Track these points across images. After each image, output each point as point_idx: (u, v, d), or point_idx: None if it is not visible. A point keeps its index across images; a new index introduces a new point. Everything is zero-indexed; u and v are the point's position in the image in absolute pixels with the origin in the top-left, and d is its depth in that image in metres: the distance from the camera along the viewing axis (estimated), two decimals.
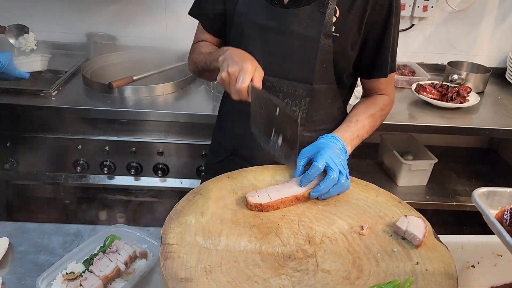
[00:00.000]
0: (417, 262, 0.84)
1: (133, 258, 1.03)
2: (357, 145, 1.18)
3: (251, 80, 1.00)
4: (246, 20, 1.19)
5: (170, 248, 0.84)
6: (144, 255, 1.06)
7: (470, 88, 2.09)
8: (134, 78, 1.92)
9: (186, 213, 0.93)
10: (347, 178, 1.02)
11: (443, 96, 2.04)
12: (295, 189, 1.00)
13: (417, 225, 0.90)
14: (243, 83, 0.99)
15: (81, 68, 2.06)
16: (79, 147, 1.87)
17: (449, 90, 2.06)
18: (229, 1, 1.22)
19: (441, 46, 2.47)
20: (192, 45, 1.37)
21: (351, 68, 1.24)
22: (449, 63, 2.31)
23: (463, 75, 2.21)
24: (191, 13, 1.33)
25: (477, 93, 2.13)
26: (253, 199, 0.96)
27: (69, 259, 1.02)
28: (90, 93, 1.93)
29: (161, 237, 0.86)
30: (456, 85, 2.13)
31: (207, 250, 0.84)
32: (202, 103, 1.94)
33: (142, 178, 1.96)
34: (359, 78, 1.33)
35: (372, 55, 1.21)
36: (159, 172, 1.92)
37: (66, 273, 0.98)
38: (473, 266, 1.07)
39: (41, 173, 1.94)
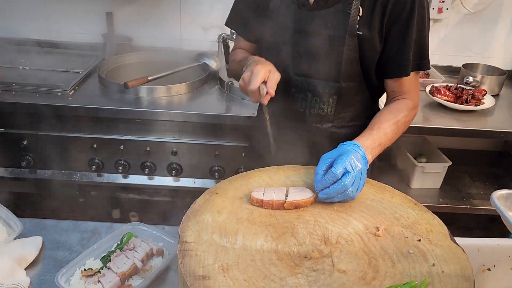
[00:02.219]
0: (433, 264, 0.84)
1: (149, 256, 1.05)
2: (378, 154, 1.17)
3: (265, 82, 1.10)
4: (276, 24, 1.25)
5: (188, 246, 0.85)
6: (160, 253, 1.07)
7: (485, 90, 2.07)
8: (149, 78, 1.94)
9: (203, 212, 0.95)
10: (357, 191, 1.00)
11: (457, 99, 2.03)
12: (302, 195, 1.00)
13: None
14: (253, 85, 1.08)
15: (97, 68, 2.08)
16: (94, 146, 1.90)
17: (463, 92, 2.04)
18: (261, 7, 1.27)
19: (456, 48, 2.45)
20: (232, 50, 1.46)
21: (376, 68, 1.25)
22: (464, 65, 2.30)
23: (478, 78, 2.19)
24: (228, 24, 1.41)
25: (492, 95, 2.11)
26: (256, 194, 0.98)
27: (87, 255, 1.04)
28: (105, 93, 1.96)
29: (179, 235, 0.87)
30: (471, 88, 2.11)
31: (224, 249, 0.85)
32: (215, 104, 1.95)
33: (156, 177, 1.98)
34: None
35: (394, 52, 1.20)
36: (173, 171, 1.94)
37: (84, 269, 0.99)
38: (489, 270, 1.06)
39: (56, 171, 1.97)
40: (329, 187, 0.98)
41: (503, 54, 2.46)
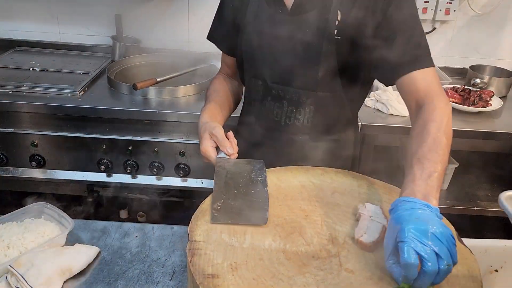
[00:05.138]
0: None
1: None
2: (439, 187, 0.88)
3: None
4: (253, 30, 1.20)
5: (197, 245, 0.86)
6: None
7: (492, 92, 2.07)
8: (158, 79, 1.96)
9: None
10: (452, 261, 0.74)
11: (465, 100, 2.02)
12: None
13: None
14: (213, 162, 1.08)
15: (106, 70, 2.11)
16: (104, 146, 1.92)
17: (471, 94, 2.04)
18: (239, 17, 1.23)
19: (463, 49, 2.45)
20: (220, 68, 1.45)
21: (366, 74, 1.18)
22: (471, 67, 2.29)
23: (486, 79, 2.18)
24: (208, 37, 1.37)
25: (499, 97, 2.11)
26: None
27: None
28: (114, 94, 1.98)
29: (188, 234, 0.89)
30: (478, 89, 2.11)
31: (233, 248, 0.86)
32: None
33: (164, 177, 2.00)
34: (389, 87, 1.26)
35: (387, 51, 1.08)
36: (181, 172, 1.95)
37: None
38: (496, 271, 1.06)
39: (66, 172, 1.99)
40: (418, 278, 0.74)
41: (511, 56, 2.45)
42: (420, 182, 0.86)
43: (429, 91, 1.04)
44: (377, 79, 1.20)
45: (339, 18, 1.11)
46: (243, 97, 1.43)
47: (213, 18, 1.36)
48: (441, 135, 0.94)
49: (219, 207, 0.95)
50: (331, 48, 1.12)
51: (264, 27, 1.19)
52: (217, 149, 1.10)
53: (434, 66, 1.09)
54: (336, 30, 1.10)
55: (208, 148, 1.08)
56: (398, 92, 1.99)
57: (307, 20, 1.13)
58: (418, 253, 0.73)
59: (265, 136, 1.29)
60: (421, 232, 0.74)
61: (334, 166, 1.15)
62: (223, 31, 1.32)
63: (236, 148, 1.10)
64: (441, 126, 0.96)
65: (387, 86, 1.18)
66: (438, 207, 0.83)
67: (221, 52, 1.39)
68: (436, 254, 0.73)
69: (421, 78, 1.05)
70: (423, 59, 1.07)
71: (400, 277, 0.76)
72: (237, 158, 1.09)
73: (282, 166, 1.13)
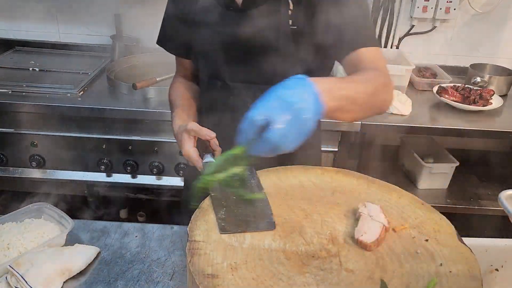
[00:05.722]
0: (441, 264, 0.84)
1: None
2: (348, 105, 0.90)
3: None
4: (206, 30, 1.17)
5: (197, 245, 0.86)
6: None
7: (493, 91, 2.07)
8: (157, 79, 1.96)
9: (212, 211, 0.95)
10: (293, 142, 0.78)
11: (465, 99, 2.02)
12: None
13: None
14: (200, 166, 1.03)
15: (106, 69, 2.11)
16: (103, 146, 1.92)
17: (471, 92, 2.04)
18: (189, 16, 1.19)
19: (464, 48, 2.44)
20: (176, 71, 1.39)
21: (322, 59, 1.16)
22: (471, 65, 2.29)
23: (486, 78, 2.18)
24: (158, 42, 1.32)
25: (500, 96, 2.11)
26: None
27: None
28: (114, 94, 1.98)
29: (188, 234, 0.88)
30: (479, 88, 2.11)
31: (233, 248, 0.86)
32: None
33: (164, 177, 2.00)
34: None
35: (336, 31, 1.07)
36: (180, 171, 1.95)
37: None
38: (496, 270, 1.06)
39: (66, 172, 1.99)
40: (252, 143, 0.78)
41: (511, 54, 2.45)
42: (329, 82, 0.89)
43: (374, 65, 1.04)
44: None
45: (291, 7, 1.09)
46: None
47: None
48: (374, 82, 0.97)
49: (223, 216, 0.93)
50: (288, 39, 1.11)
51: (217, 26, 1.15)
52: (201, 154, 1.08)
53: (379, 47, 1.10)
54: (290, 21, 1.09)
55: (190, 150, 1.04)
56: (398, 91, 2.01)
57: (259, 14, 1.11)
58: (266, 116, 0.76)
59: (230, 138, 1.14)
60: (275, 102, 0.78)
61: (306, 157, 1.16)
62: (173, 34, 1.27)
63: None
64: (380, 79, 0.99)
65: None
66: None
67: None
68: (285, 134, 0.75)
69: (366, 55, 1.06)
70: (368, 38, 1.08)
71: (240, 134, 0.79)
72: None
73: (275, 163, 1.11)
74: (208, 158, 1.05)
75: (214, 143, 1.05)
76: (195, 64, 1.28)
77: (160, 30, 1.31)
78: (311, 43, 1.12)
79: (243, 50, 1.15)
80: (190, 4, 1.19)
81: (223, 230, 0.90)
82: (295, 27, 1.10)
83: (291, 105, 0.78)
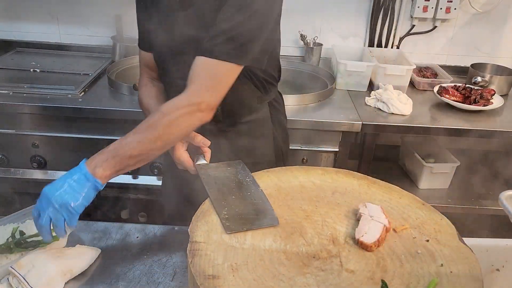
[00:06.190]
0: (442, 264, 0.84)
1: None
2: (123, 167, 1.02)
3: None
4: (160, 30, 1.16)
5: (198, 245, 0.86)
6: None
7: (493, 90, 2.06)
8: None
9: (213, 212, 0.96)
10: (60, 222, 0.95)
11: (466, 99, 2.02)
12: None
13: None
14: (193, 171, 1.05)
15: (106, 70, 2.11)
16: (104, 147, 1.91)
17: (472, 92, 2.04)
18: (148, 17, 1.19)
19: (464, 48, 2.44)
20: (140, 76, 1.35)
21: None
22: (472, 65, 2.29)
23: (487, 78, 2.18)
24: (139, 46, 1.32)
25: (501, 95, 2.10)
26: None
27: None
28: (115, 95, 1.98)
29: (189, 235, 0.89)
30: (480, 88, 2.10)
31: (233, 249, 0.86)
32: None
33: None
34: None
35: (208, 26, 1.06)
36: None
37: None
38: (497, 270, 1.06)
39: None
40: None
41: None
42: (106, 151, 1.00)
43: (197, 76, 1.03)
44: None
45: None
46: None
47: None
48: (157, 128, 1.01)
49: (226, 216, 0.94)
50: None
51: (168, 24, 1.14)
52: (192, 157, 1.08)
53: (231, 62, 1.03)
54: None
55: (182, 153, 1.06)
56: (399, 91, 2.01)
57: (199, 3, 1.08)
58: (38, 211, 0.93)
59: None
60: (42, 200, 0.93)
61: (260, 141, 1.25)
62: (139, 28, 1.28)
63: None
64: (162, 120, 1.01)
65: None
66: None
67: None
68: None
69: (200, 63, 1.03)
70: (218, 50, 1.02)
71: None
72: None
73: (224, 157, 1.13)
74: (201, 160, 1.06)
75: (205, 142, 1.06)
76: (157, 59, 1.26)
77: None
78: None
79: (174, 42, 1.13)
80: (147, 4, 1.19)
81: (229, 229, 0.90)
82: None
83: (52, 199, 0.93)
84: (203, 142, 1.05)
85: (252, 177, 1.06)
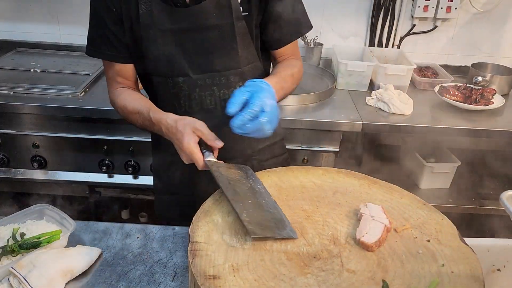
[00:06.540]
0: (443, 264, 0.84)
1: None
2: (280, 100, 1.17)
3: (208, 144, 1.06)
4: (155, 30, 1.15)
5: (198, 246, 0.86)
6: None
7: (494, 90, 2.06)
8: None
9: (213, 213, 0.96)
10: (272, 128, 1.00)
11: (467, 98, 2.02)
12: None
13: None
14: (202, 166, 1.03)
15: None
16: (105, 147, 1.92)
17: (473, 92, 2.03)
18: (131, 19, 1.16)
19: (465, 47, 2.44)
20: (109, 88, 1.31)
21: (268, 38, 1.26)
22: (473, 65, 2.29)
23: (488, 77, 2.18)
24: (90, 53, 1.26)
25: (501, 95, 2.10)
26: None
27: None
28: None
29: (189, 235, 0.88)
30: (480, 87, 2.10)
31: (234, 249, 0.86)
32: None
33: None
34: None
35: (284, 18, 1.22)
36: None
37: None
38: (498, 270, 1.06)
39: (67, 173, 2.00)
40: (247, 124, 0.96)
41: None
42: (275, 84, 1.09)
43: (296, 52, 1.33)
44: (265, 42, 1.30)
45: None
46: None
47: (87, 32, 1.25)
48: (296, 80, 1.26)
49: (247, 219, 0.90)
50: (242, 25, 1.18)
51: (167, 24, 1.15)
52: (201, 150, 1.05)
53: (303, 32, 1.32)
54: (241, 8, 1.16)
55: (192, 144, 1.02)
56: (399, 91, 2.00)
57: (209, 6, 1.14)
58: (262, 108, 0.97)
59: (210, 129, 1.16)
60: (266, 99, 0.98)
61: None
62: (110, 40, 1.21)
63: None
64: (298, 76, 1.28)
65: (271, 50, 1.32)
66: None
67: None
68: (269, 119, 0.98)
69: (293, 46, 1.31)
70: (302, 30, 1.30)
71: (236, 120, 0.97)
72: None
73: (228, 153, 1.12)
74: (210, 157, 1.03)
75: (218, 143, 1.05)
76: (140, 67, 1.24)
77: (90, 40, 1.25)
78: (256, 28, 1.23)
79: (200, 43, 1.17)
80: (127, 8, 1.15)
81: (253, 233, 0.87)
82: (247, 13, 1.18)
83: (272, 105, 0.99)
84: (217, 143, 1.04)
85: (262, 185, 1.04)
